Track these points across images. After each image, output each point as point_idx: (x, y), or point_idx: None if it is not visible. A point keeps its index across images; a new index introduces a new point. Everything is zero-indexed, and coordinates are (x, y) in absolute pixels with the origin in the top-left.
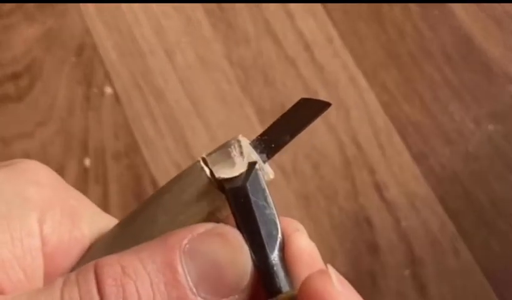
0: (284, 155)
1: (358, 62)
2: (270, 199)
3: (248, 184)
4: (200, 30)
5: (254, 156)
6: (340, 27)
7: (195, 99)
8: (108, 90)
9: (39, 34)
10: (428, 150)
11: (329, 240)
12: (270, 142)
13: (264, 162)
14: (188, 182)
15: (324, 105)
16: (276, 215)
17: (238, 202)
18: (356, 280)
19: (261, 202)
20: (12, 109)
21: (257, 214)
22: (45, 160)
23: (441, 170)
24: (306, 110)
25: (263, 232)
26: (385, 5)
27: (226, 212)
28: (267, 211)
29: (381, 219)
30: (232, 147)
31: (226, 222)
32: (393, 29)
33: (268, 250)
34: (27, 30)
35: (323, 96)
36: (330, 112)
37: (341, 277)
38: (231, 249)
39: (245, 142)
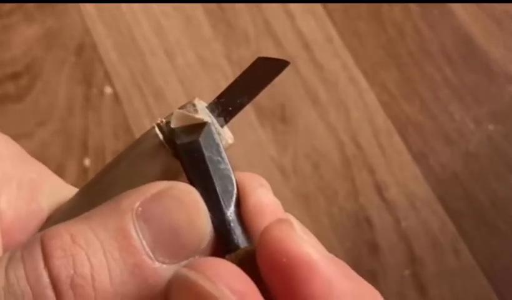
0: (284, 155)
1: (357, 62)
2: (224, 154)
3: (200, 139)
4: (200, 30)
5: (210, 120)
6: (340, 27)
7: None
8: (108, 90)
9: (38, 34)
10: (428, 150)
11: (329, 240)
12: (228, 104)
13: (222, 126)
14: (142, 149)
15: (283, 64)
16: (231, 171)
17: (191, 158)
18: None
19: (215, 157)
20: (12, 109)
21: (211, 169)
22: (45, 160)
23: (441, 170)
24: (265, 70)
25: (218, 188)
26: (385, 5)
27: (182, 179)
28: (221, 166)
29: (381, 219)
30: (187, 110)
31: None
32: (393, 29)
33: (224, 206)
34: (27, 30)
35: (323, 97)
36: (330, 112)
37: (303, 226)
38: (188, 210)
39: (201, 105)
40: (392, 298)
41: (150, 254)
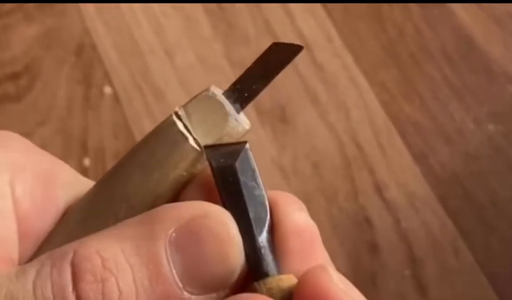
0: (284, 155)
1: (358, 62)
2: (259, 180)
3: (237, 164)
4: (200, 30)
5: (227, 107)
6: (340, 27)
7: None
8: (107, 90)
9: (38, 33)
10: (428, 150)
11: (329, 240)
12: (243, 91)
13: (238, 112)
14: (161, 138)
15: (297, 49)
16: (265, 197)
17: (226, 182)
18: (356, 280)
19: (251, 182)
20: (12, 108)
21: (245, 195)
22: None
23: (441, 170)
24: (278, 55)
25: (251, 214)
26: (385, 5)
27: (202, 166)
28: (256, 192)
29: (381, 219)
30: (205, 99)
31: (201, 177)
32: (393, 29)
33: (255, 233)
34: (27, 30)
35: (323, 97)
36: (330, 112)
37: (341, 275)
38: (222, 244)
39: (218, 93)
40: (392, 298)
41: (179, 284)
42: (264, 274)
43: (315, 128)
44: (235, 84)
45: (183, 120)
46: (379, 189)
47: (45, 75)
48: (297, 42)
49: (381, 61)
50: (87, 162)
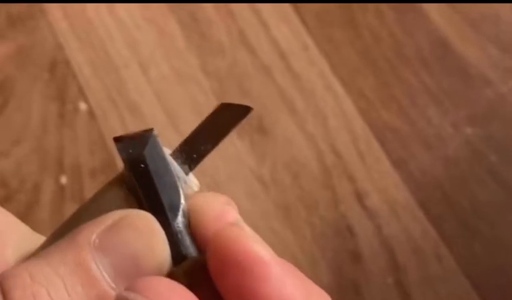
0: (263, 165)
1: (334, 70)
2: (170, 166)
3: (145, 152)
4: (174, 42)
5: (176, 169)
6: (315, 35)
7: (171, 111)
8: (82, 106)
9: (10, 51)
10: (407, 156)
11: (311, 250)
12: (192, 152)
13: (187, 174)
14: (105, 185)
15: (246, 110)
16: (176, 182)
17: (137, 171)
18: (339, 289)
19: (161, 169)
20: None
21: (156, 181)
22: (21, 179)
23: (421, 175)
24: (228, 116)
25: (164, 199)
26: (359, 11)
27: None
28: (167, 178)
29: (363, 227)
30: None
31: None
32: (368, 35)
33: (170, 217)
34: None
35: (300, 105)
36: (308, 121)
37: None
38: (145, 237)
39: (166, 153)
40: None
41: (112, 284)
42: (183, 257)
43: (293, 137)
44: (182, 144)
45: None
46: (359, 197)
47: (19, 93)
48: (272, 51)
49: (357, 68)
50: (63, 179)
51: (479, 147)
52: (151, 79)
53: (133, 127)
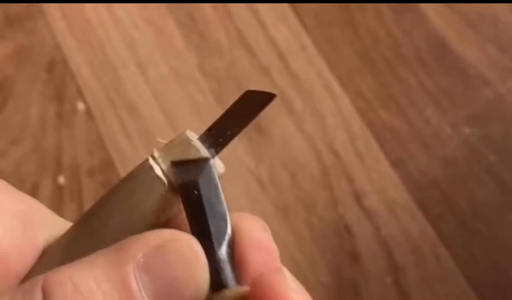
0: (261, 166)
1: (332, 69)
2: (221, 196)
3: (200, 179)
4: (172, 42)
5: (203, 152)
6: (313, 35)
7: (169, 111)
8: (80, 106)
9: (8, 51)
10: (405, 156)
11: (309, 250)
12: (218, 136)
13: (213, 157)
14: (138, 181)
15: (270, 97)
16: (226, 212)
17: (189, 197)
18: (338, 289)
19: (213, 197)
20: None
21: (207, 210)
22: (19, 178)
23: (419, 175)
24: (252, 103)
25: (212, 228)
26: (358, 11)
27: (177, 209)
28: (218, 207)
29: (361, 227)
30: (181, 143)
31: (177, 219)
32: (367, 35)
33: (215, 246)
34: None
35: (298, 105)
36: (306, 121)
37: (295, 279)
38: (189, 265)
39: (194, 137)
40: None
41: None
42: (223, 286)
43: (291, 137)
44: (209, 129)
45: (161, 164)
46: (358, 197)
47: (17, 93)
48: (270, 50)
49: (355, 68)
50: (61, 179)
51: (478, 147)
52: (149, 79)
53: (131, 126)
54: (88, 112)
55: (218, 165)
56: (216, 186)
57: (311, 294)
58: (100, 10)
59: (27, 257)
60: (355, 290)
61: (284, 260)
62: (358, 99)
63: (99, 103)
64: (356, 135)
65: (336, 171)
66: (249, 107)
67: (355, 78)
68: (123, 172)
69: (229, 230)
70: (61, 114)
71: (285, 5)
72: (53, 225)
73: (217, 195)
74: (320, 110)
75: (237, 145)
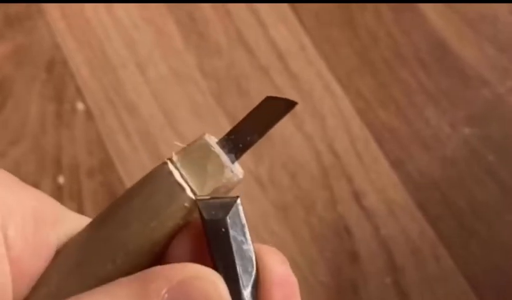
0: (261, 166)
1: (332, 70)
2: (248, 235)
3: (228, 218)
4: (172, 42)
5: (223, 158)
6: (313, 35)
7: (169, 111)
8: (80, 106)
9: (8, 51)
10: (405, 157)
11: (309, 250)
12: (238, 141)
13: (233, 162)
14: (157, 186)
15: (291, 104)
16: (253, 252)
17: (216, 235)
18: (337, 289)
19: (240, 237)
20: None
21: (234, 249)
22: (19, 178)
23: (419, 176)
24: (273, 109)
25: (238, 268)
26: (357, 11)
27: (197, 214)
28: (245, 247)
29: (361, 228)
30: (200, 147)
31: (193, 225)
32: (366, 35)
33: (241, 288)
34: None
35: (298, 106)
36: (306, 121)
37: None
38: None
39: (213, 142)
40: None
41: None
42: None
43: (290, 137)
44: (229, 134)
45: (180, 169)
46: (357, 197)
47: (17, 92)
48: (270, 51)
49: (355, 68)
50: (61, 179)
51: (477, 147)
52: (149, 79)
53: (131, 126)
54: (88, 112)
55: (238, 170)
56: (243, 225)
57: (311, 294)
58: (99, 10)
59: (40, 258)
60: (354, 290)
61: None
62: (357, 99)
63: (99, 103)
64: (356, 135)
65: (335, 171)
66: (269, 113)
67: (355, 78)
68: (122, 172)
69: (255, 271)
70: (61, 114)
71: (285, 5)
72: (65, 222)
73: (244, 234)
74: (320, 110)
75: None
